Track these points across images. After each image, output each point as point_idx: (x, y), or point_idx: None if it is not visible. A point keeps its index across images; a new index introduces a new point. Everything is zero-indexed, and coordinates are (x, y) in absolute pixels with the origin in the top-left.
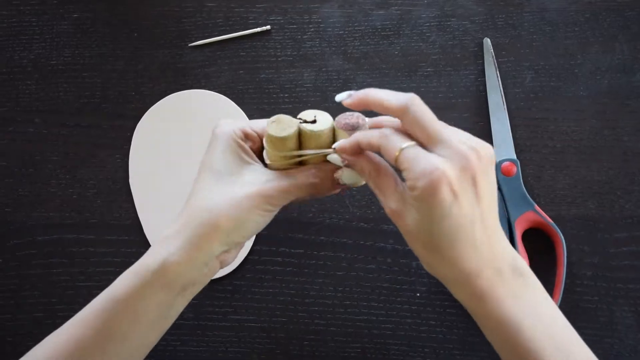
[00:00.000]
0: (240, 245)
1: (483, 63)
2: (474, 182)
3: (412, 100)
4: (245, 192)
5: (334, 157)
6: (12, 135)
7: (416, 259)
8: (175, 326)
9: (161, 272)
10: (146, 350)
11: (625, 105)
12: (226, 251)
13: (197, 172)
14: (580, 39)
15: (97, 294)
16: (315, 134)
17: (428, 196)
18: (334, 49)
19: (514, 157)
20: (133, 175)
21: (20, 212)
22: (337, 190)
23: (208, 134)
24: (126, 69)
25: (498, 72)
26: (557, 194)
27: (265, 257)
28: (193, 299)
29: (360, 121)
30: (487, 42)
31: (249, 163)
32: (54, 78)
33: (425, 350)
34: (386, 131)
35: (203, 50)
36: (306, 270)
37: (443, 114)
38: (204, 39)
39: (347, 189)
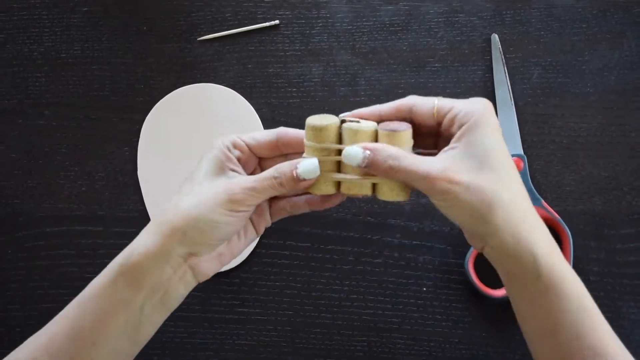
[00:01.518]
0: (210, 250)
1: (491, 59)
2: (499, 129)
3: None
4: (210, 192)
5: (352, 153)
6: (21, 127)
7: (423, 253)
8: (182, 318)
9: (126, 268)
10: None
11: (633, 102)
12: (193, 254)
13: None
14: (587, 36)
15: None
16: (362, 132)
17: (486, 115)
18: (342, 43)
19: (522, 152)
20: (141, 167)
21: (29, 203)
22: (327, 203)
23: (216, 127)
24: (135, 63)
25: (505, 68)
26: (564, 189)
27: (272, 251)
28: (200, 292)
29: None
30: (495, 38)
31: (229, 169)
32: (64, 71)
33: (431, 344)
34: (411, 96)
35: (212, 44)
36: (313, 264)
37: None
38: (213, 33)
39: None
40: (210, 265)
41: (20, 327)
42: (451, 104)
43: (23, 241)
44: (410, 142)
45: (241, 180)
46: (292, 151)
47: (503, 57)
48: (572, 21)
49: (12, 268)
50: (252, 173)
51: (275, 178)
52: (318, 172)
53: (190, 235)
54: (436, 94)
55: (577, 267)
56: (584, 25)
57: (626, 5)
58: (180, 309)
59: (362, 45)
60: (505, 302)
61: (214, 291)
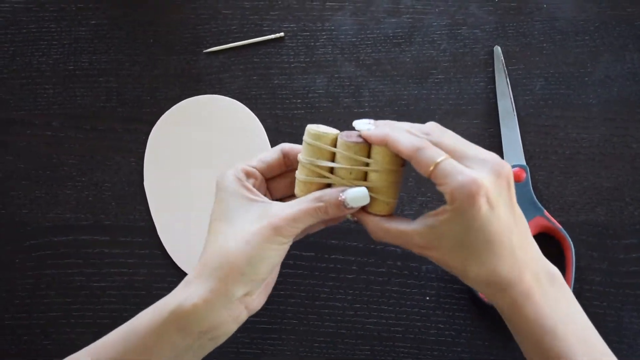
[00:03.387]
0: (261, 285)
1: (493, 70)
2: (508, 189)
3: (430, 129)
4: (255, 228)
5: (356, 194)
6: (29, 138)
7: (426, 262)
8: None
9: (178, 314)
10: None
11: (635, 113)
12: (248, 294)
13: (208, 226)
14: (590, 48)
15: (112, 294)
16: (359, 146)
17: (468, 207)
18: (346, 55)
19: (524, 163)
20: (147, 178)
21: (36, 213)
22: (348, 215)
23: (221, 138)
24: (142, 74)
25: (508, 80)
26: (566, 200)
27: None
28: None
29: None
30: (498, 49)
31: (255, 200)
32: (72, 83)
33: (434, 353)
34: (417, 142)
35: (217, 56)
36: (317, 273)
37: (453, 121)
38: (219, 45)
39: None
40: (260, 297)
41: (27, 336)
42: (443, 179)
43: (30, 250)
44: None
45: (280, 211)
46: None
47: (505, 68)
48: (574, 33)
49: (19, 277)
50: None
51: (320, 207)
52: (368, 200)
53: (247, 275)
54: (439, 105)
55: (580, 278)
56: (586, 38)
57: (628, 18)
58: None
59: (366, 57)
60: None
61: None
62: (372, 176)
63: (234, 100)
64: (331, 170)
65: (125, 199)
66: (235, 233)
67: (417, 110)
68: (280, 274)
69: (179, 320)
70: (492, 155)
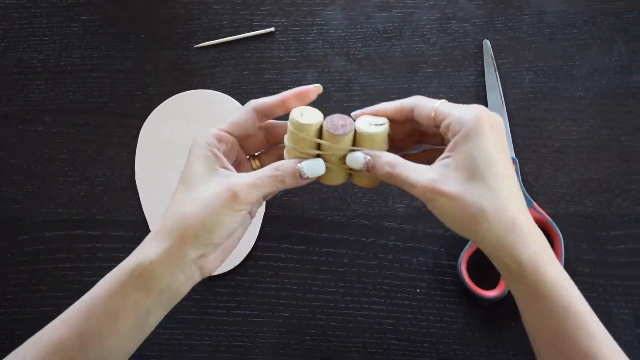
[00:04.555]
0: (217, 249)
1: (483, 64)
2: (500, 133)
3: (417, 97)
4: (212, 192)
5: (355, 158)
6: (22, 133)
7: (417, 255)
8: (179, 320)
9: (138, 273)
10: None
11: (623, 106)
12: (202, 255)
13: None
14: (578, 41)
15: None
16: (346, 137)
17: (477, 128)
18: (336, 50)
19: (513, 155)
20: (139, 172)
21: (29, 208)
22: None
23: None
24: (134, 70)
25: (497, 73)
26: (555, 192)
27: (268, 253)
28: (197, 294)
29: (348, 122)
30: (487, 43)
31: (219, 169)
32: (63, 78)
33: (425, 345)
34: (416, 96)
35: (209, 51)
36: (308, 266)
37: None
38: (210, 40)
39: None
40: (215, 261)
41: (19, 330)
42: (447, 110)
43: (23, 245)
44: (384, 141)
45: (240, 179)
46: (278, 141)
47: (495, 62)
48: (562, 27)
49: (12, 272)
50: (238, 163)
51: (277, 175)
52: (323, 171)
53: (201, 238)
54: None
55: (569, 269)
56: (574, 31)
57: (616, 12)
58: (177, 311)
59: (357, 52)
60: (498, 303)
61: (211, 294)
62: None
63: (226, 95)
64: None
65: (117, 193)
66: (194, 197)
67: None
68: (272, 267)
69: (139, 278)
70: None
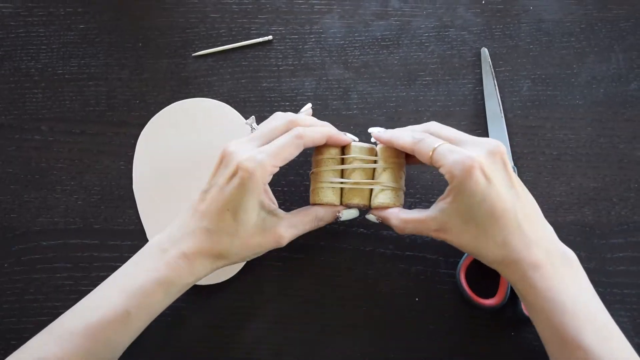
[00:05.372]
0: None
1: (481, 72)
2: (504, 167)
3: (430, 125)
4: (260, 241)
5: (349, 214)
6: (19, 142)
7: (415, 264)
8: (176, 326)
9: (177, 286)
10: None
11: (621, 114)
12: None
13: (217, 202)
14: (576, 49)
15: None
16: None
17: (465, 180)
18: (334, 58)
19: (512, 164)
20: (136, 181)
21: (25, 217)
22: (372, 218)
23: (210, 141)
24: (131, 78)
25: (495, 81)
26: (554, 200)
27: (266, 262)
28: (194, 303)
29: None
30: (485, 51)
31: (267, 210)
32: (61, 87)
33: (424, 354)
34: (418, 135)
35: (206, 59)
36: (306, 274)
37: (441, 122)
38: (207, 48)
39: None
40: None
41: (15, 340)
42: (441, 160)
43: (20, 254)
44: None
45: (284, 232)
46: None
47: (493, 70)
48: (560, 35)
49: (8, 281)
50: None
51: (319, 223)
52: (357, 215)
53: (235, 262)
54: (427, 107)
55: None
56: (572, 39)
57: (613, 20)
58: (174, 319)
59: (354, 60)
60: (497, 312)
61: (208, 301)
62: (382, 174)
63: (223, 103)
64: (342, 173)
65: (114, 202)
66: (239, 239)
67: (405, 112)
68: (269, 275)
69: (165, 284)
70: (487, 139)
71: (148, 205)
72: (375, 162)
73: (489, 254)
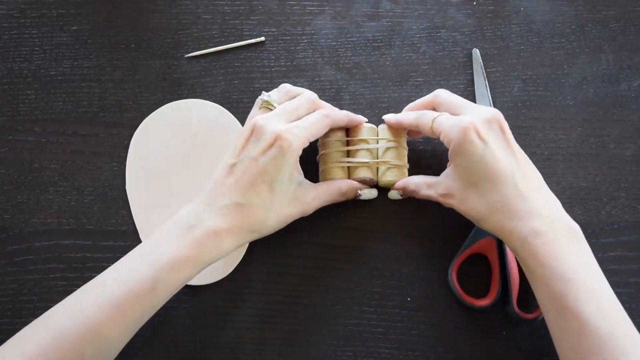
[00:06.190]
0: None
1: (472, 73)
2: (502, 132)
3: (437, 92)
4: (289, 212)
5: (391, 195)
6: (11, 143)
7: (407, 264)
8: (171, 326)
9: (197, 263)
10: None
11: (611, 114)
12: None
13: (251, 174)
14: (566, 50)
15: None
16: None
17: (461, 142)
18: (326, 59)
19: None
20: (129, 182)
21: (18, 218)
22: (396, 194)
23: (203, 142)
24: (124, 79)
25: (487, 82)
26: None
27: (259, 261)
28: (186, 304)
29: None
30: (476, 52)
31: (297, 181)
32: (53, 88)
33: (416, 353)
34: (419, 111)
35: (199, 60)
36: (299, 274)
37: None
38: (200, 50)
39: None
40: None
41: None
42: (440, 128)
43: (12, 255)
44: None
45: (312, 201)
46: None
47: (484, 71)
48: (551, 36)
49: (1, 282)
50: None
51: (341, 196)
52: (375, 195)
53: (264, 235)
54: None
55: None
56: (562, 40)
57: (603, 21)
58: (168, 320)
59: (346, 61)
60: (489, 312)
61: (201, 303)
62: (386, 152)
63: (216, 105)
64: (348, 153)
65: (107, 203)
66: (274, 211)
67: (397, 112)
68: (262, 275)
69: (199, 265)
70: (486, 107)
71: (141, 206)
72: (378, 142)
73: (490, 220)
